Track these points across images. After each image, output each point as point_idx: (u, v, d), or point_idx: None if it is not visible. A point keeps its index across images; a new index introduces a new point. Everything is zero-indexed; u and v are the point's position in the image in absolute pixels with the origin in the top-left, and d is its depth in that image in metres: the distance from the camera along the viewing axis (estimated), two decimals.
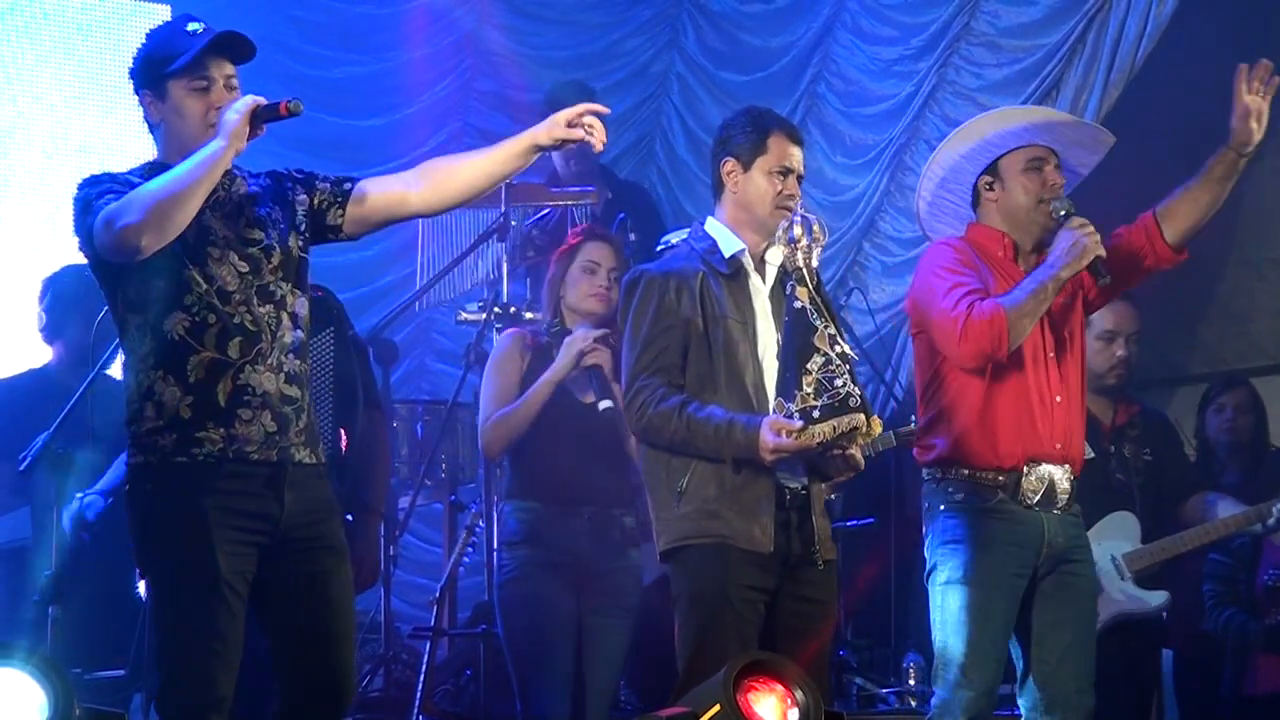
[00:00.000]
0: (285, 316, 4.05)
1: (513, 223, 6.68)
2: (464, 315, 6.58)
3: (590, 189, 7.14)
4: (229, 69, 4.06)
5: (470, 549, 6.26)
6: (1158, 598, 6.06)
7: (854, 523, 6.76)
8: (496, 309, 6.36)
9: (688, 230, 4.92)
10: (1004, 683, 4.94)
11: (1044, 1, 7.41)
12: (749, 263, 4.73)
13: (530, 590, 5.51)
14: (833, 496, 6.33)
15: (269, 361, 3.99)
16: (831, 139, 8.03)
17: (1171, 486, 6.29)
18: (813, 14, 8.10)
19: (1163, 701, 6.59)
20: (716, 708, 4.14)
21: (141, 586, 5.87)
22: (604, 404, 5.47)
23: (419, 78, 8.21)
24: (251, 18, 7.91)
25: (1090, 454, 6.10)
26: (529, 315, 6.30)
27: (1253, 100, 4.68)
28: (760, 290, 4.73)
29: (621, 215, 6.81)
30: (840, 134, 8.01)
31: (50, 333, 6.21)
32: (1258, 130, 4.70)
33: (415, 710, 5.94)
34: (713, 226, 4.78)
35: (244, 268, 4.02)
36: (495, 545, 5.90)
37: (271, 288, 4.04)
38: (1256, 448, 6.59)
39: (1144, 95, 7.23)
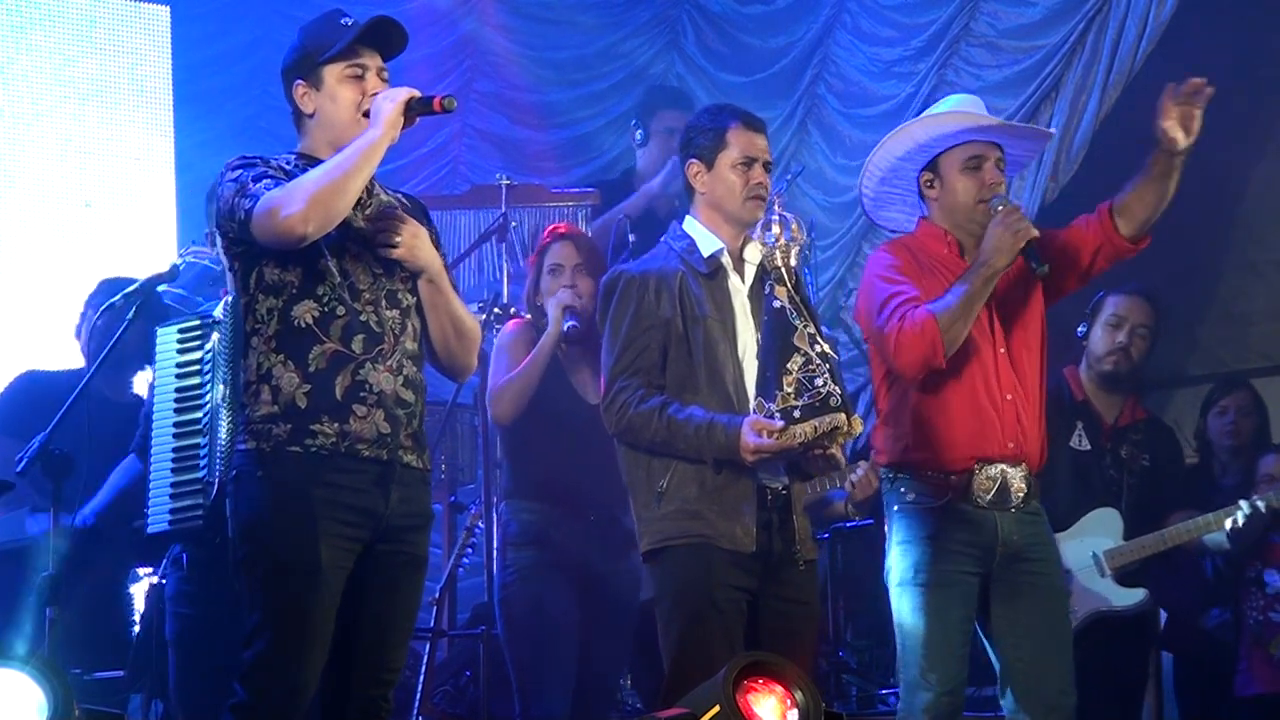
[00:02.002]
0: (409, 325, 4.11)
1: (513, 222, 6.69)
2: None
3: (590, 190, 7.15)
4: (380, 60, 4.16)
5: (469, 550, 6.26)
6: (1135, 595, 6.03)
7: (851, 524, 6.76)
8: (496, 309, 6.37)
9: None
10: (987, 685, 4.95)
11: (1043, 3, 7.41)
12: (728, 262, 4.73)
13: (534, 592, 5.50)
14: (857, 518, 6.33)
15: (389, 363, 4.05)
16: (831, 140, 8.02)
17: (1166, 496, 6.26)
18: (812, 15, 8.10)
19: (1161, 702, 6.60)
20: (716, 708, 4.14)
21: (135, 589, 5.89)
22: (569, 323, 5.55)
23: (418, 78, 8.15)
24: (250, 18, 7.93)
25: (1086, 446, 6.11)
26: (529, 315, 6.30)
27: (1178, 110, 4.62)
28: (739, 289, 4.72)
29: (622, 216, 6.81)
30: (840, 135, 8.00)
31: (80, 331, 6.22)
32: (1183, 137, 4.64)
33: (414, 711, 5.93)
34: (690, 225, 4.78)
35: (378, 269, 4.08)
36: (497, 546, 5.89)
37: (400, 295, 4.11)
38: (1259, 449, 6.57)
39: (1144, 96, 7.22)
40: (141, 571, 5.59)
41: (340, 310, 4.02)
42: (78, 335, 6.21)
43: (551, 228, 5.98)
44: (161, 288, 5.57)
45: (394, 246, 4.07)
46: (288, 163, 4.09)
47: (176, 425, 4.81)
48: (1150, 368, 6.48)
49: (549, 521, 5.54)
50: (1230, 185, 7.97)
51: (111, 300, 5.46)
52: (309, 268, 4.02)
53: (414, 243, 4.09)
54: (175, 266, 5.49)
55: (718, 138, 4.72)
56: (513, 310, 6.35)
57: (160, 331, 5.04)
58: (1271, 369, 7.71)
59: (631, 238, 6.70)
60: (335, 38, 4.12)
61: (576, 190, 7.16)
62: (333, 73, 4.12)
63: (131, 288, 5.41)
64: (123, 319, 5.28)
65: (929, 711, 4.67)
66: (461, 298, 4.28)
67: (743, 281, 4.73)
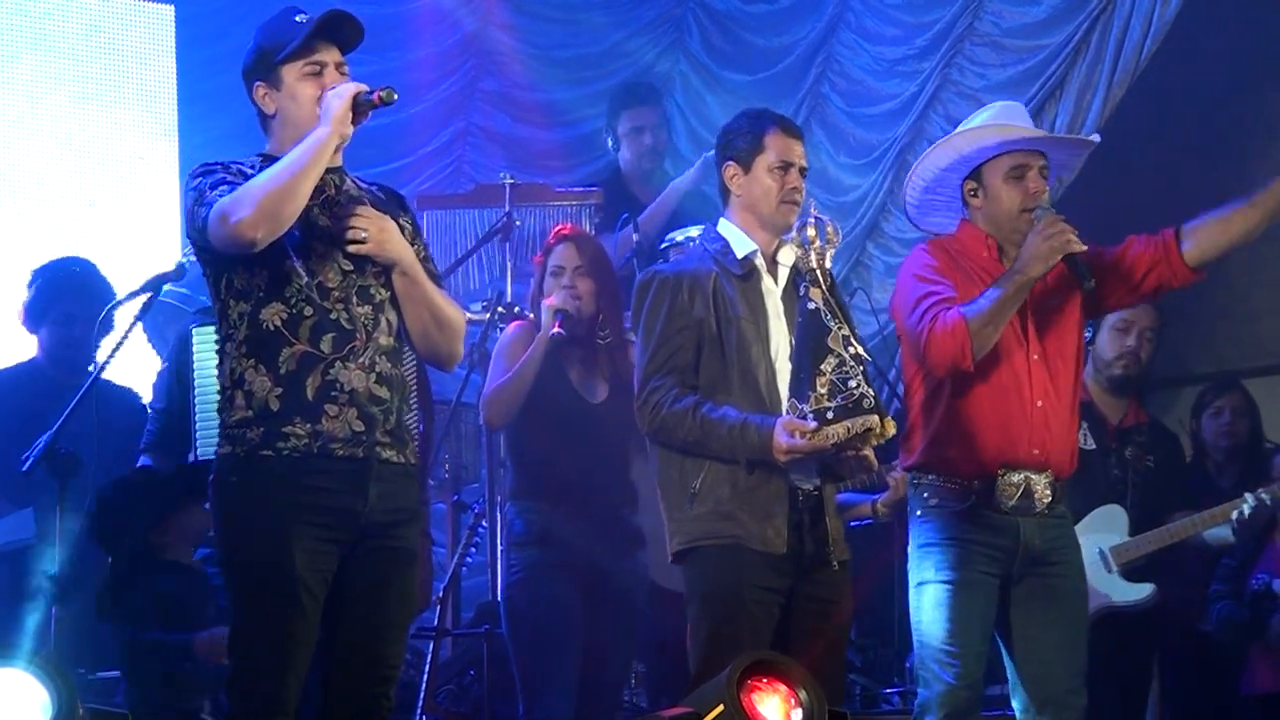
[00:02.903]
0: (383, 320, 4.06)
1: (517, 221, 6.69)
2: (467, 315, 6.55)
3: (594, 189, 7.15)
4: (338, 54, 4.10)
5: (473, 549, 6.26)
6: (1142, 590, 6.05)
7: (856, 523, 6.75)
8: (500, 309, 6.36)
9: (694, 228, 4.93)
10: (998, 683, 4.94)
11: (1048, 1, 7.41)
12: (761, 264, 4.75)
13: (538, 591, 5.50)
14: (888, 519, 6.30)
15: (360, 360, 4.00)
16: (835, 139, 8.02)
17: (1170, 498, 6.27)
18: (816, 14, 8.10)
19: (1165, 698, 6.60)
20: (720, 708, 4.13)
21: None
22: (554, 330, 5.53)
23: (423, 77, 8.20)
24: (254, 18, 7.90)
25: (1091, 445, 6.12)
26: (532, 315, 6.30)
27: None
28: (772, 291, 4.74)
29: (625, 215, 6.81)
30: (844, 134, 8.00)
31: (31, 322, 6.23)
32: None
33: (418, 710, 5.92)
34: (724, 227, 4.80)
35: (348, 266, 4.04)
36: (502, 546, 5.89)
37: (372, 291, 4.06)
38: (1253, 449, 6.60)
39: (1148, 95, 7.22)
40: None
41: (308, 311, 3.97)
42: (33, 326, 6.19)
43: (556, 230, 5.98)
44: (167, 287, 5.58)
45: (361, 242, 4.01)
46: (251, 166, 4.04)
47: None
48: (1155, 366, 6.48)
49: (553, 521, 5.54)
50: (1235, 182, 7.95)
51: (119, 300, 5.48)
52: (275, 270, 3.97)
53: (382, 236, 4.03)
54: (181, 265, 5.50)
55: (755, 141, 4.74)
56: (517, 309, 6.35)
57: (196, 332, 5.04)
58: (1276, 367, 7.70)
59: (635, 236, 6.70)
60: (291, 36, 4.06)
61: (580, 190, 7.16)
62: (291, 71, 4.06)
63: (137, 285, 5.42)
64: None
65: (945, 705, 4.67)
66: (442, 288, 4.20)
67: (776, 283, 4.75)
